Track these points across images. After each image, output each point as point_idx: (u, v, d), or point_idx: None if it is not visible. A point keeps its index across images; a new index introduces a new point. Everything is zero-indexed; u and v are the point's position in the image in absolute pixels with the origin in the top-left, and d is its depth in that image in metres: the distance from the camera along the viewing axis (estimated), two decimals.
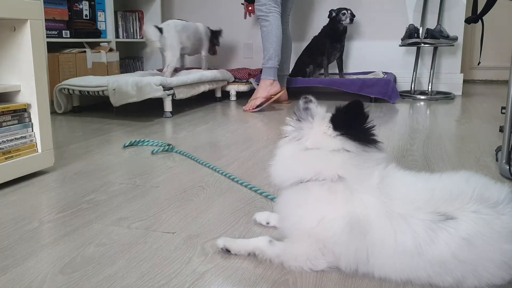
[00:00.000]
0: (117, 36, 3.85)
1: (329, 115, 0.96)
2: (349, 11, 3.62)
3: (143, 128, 2.54)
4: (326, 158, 0.93)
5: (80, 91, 2.87)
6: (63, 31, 3.22)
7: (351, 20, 3.62)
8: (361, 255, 0.89)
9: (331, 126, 0.94)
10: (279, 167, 1.00)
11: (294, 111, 0.98)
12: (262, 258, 0.98)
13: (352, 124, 0.93)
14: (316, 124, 0.95)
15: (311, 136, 0.95)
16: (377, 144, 0.94)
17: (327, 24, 3.74)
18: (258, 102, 3.09)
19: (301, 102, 0.97)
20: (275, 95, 3.11)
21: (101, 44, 3.51)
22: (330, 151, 0.93)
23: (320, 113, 0.96)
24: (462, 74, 3.94)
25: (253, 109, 3.08)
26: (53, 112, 2.96)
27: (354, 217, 0.88)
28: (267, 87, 3.10)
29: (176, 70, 3.44)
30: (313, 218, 0.91)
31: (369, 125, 0.94)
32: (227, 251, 1.01)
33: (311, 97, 0.97)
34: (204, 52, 3.65)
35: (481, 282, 0.84)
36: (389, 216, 0.87)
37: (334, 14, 3.66)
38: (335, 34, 3.67)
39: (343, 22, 3.63)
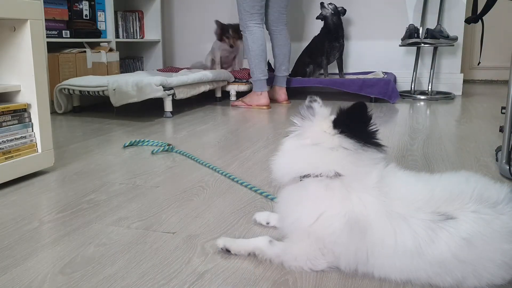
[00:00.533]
0: (117, 36, 3.85)
1: (333, 117, 0.96)
2: (331, 4, 3.65)
3: (143, 128, 2.54)
4: (324, 153, 0.93)
5: (80, 91, 2.87)
6: (63, 31, 3.22)
7: (335, 12, 3.64)
8: (361, 255, 0.89)
9: (332, 125, 0.94)
10: (279, 162, 1.00)
11: (299, 110, 0.99)
12: (262, 258, 0.98)
13: (354, 124, 0.93)
14: (317, 122, 0.96)
15: (311, 133, 0.95)
16: (379, 146, 0.94)
17: (323, 24, 3.75)
18: (240, 104, 3.34)
19: (306, 101, 0.99)
20: (258, 106, 3.26)
21: (101, 44, 3.51)
22: (328, 148, 0.93)
23: (323, 113, 0.97)
24: (462, 74, 3.94)
25: (235, 104, 3.36)
26: (53, 112, 2.96)
27: (353, 216, 0.88)
28: (254, 97, 3.29)
29: (173, 70, 3.44)
30: (311, 214, 0.92)
31: (372, 128, 0.94)
32: (227, 251, 1.01)
33: (317, 97, 0.98)
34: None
35: (481, 282, 0.84)
36: (389, 216, 0.87)
37: (322, 12, 3.70)
38: (330, 32, 3.68)
39: (324, 13, 3.66)
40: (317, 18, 3.75)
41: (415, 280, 0.88)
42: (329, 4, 3.67)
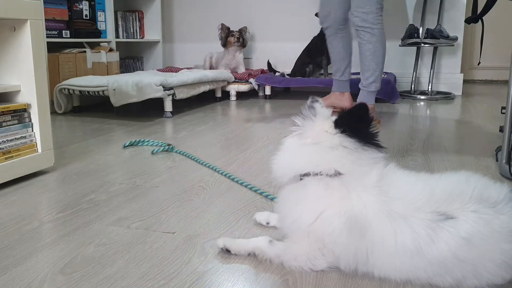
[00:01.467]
0: (117, 36, 3.85)
1: (334, 117, 0.96)
2: None
3: (143, 128, 2.54)
4: (324, 152, 0.93)
5: (80, 91, 2.87)
6: (63, 31, 3.22)
7: None
8: (360, 255, 0.89)
9: (333, 125, 0.94)
10: (279, 161, 1.00)
11: (300, 110, 0.99)
12: (262, 258, 0.98)
13: (355, 125, 0.93)
14: (318, 122, 0.96)
15: (312, 132, 0.95)
16: (378, 147, 0.94)
17: None
18: None
19: (308, 101, 0.99)
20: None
21: (101, 44, 3.51)
22: (328, 147, 0.93)
23: (324, 113, 0.97)
24: (462, 74, 3.94)
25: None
26: (53, 112, 2.95)
27: (353, 215, 0.88)
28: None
29: (173, 70, 3.44)
30: (311, 214, 0.92)
31: (373, 130, 0.94)
32: (227, 251, 1.01)
33: (318, 98, 0.99)
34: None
35: (481, 282, 0.84)
36: (388, 215, 0.87)
37: None
38: None
39: None
40: (316, 15, 3.73)
41: (415, 280, 0.88)
42: None
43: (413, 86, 3.85)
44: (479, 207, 0.85)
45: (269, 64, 3.96)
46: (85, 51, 3.25)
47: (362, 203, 0.89)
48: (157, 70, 3.91)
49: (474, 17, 1.78)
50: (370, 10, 2.38)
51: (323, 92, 3.90)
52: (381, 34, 2.44)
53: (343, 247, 0.90)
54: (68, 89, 2.90)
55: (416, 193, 0.90)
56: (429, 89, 3.75)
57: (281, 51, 4.16)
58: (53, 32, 3.14)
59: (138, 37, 4.18)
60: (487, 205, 0.86)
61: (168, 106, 2.87)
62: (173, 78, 2.91)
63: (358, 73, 3.91)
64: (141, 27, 4.22)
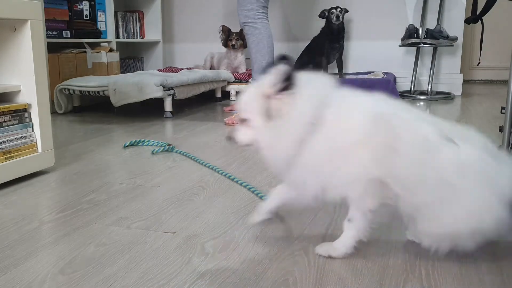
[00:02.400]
0: (117, 36, 3.85)
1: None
2: (338, 10, 3.62)
3: (143, 128, 2.54)
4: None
5: (80, 91, 2.88)
6: (64, 31, 3.23)
7: (339, 18, 3.61)
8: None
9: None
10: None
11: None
12: (363, 237, 0.98)
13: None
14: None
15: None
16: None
17: (324, 24, 3.75)
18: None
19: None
20: None
21: (101, 44, 3.51)
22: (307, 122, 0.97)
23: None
24: (462, 74, 3.95)
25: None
26: (53, 112, 2.95)
27: (378, 113, 1.04)
28: None
29: (173, 70, 3.44)
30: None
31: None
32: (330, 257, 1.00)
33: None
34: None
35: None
36: (408, 121, 0.98)
37: (326, 14, 3.68)
38: (332, 33, 3.67)
39: (333, 21, 3.63)
40: (320, 16, 3.72)
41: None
42: (336, 8, 3.64)
43: (412, 86, 3.85)
44: (481, 151, 0.93)
45: None
46: (85, 51, 3.25)
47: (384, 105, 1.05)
48: (157, 70, 3.91)
49: (474, 17, 1.78)
50: (251, 7, 2.58)
51: None
52: (264, 27, 2.61)
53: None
54: (69, 89, 2.90)
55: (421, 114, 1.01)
56: (429, 89, 3.76)
57: (281, 51, 4.16)
58: (54, 32, 3.14)
59: (138, 37, 4.19)
60: (489, 154, 0.93)
61: (168, 106, 2.87)
62: (173, 78, 2.91)
63: (357, 73, 3.92)
64: (141, 27, 4.22)
